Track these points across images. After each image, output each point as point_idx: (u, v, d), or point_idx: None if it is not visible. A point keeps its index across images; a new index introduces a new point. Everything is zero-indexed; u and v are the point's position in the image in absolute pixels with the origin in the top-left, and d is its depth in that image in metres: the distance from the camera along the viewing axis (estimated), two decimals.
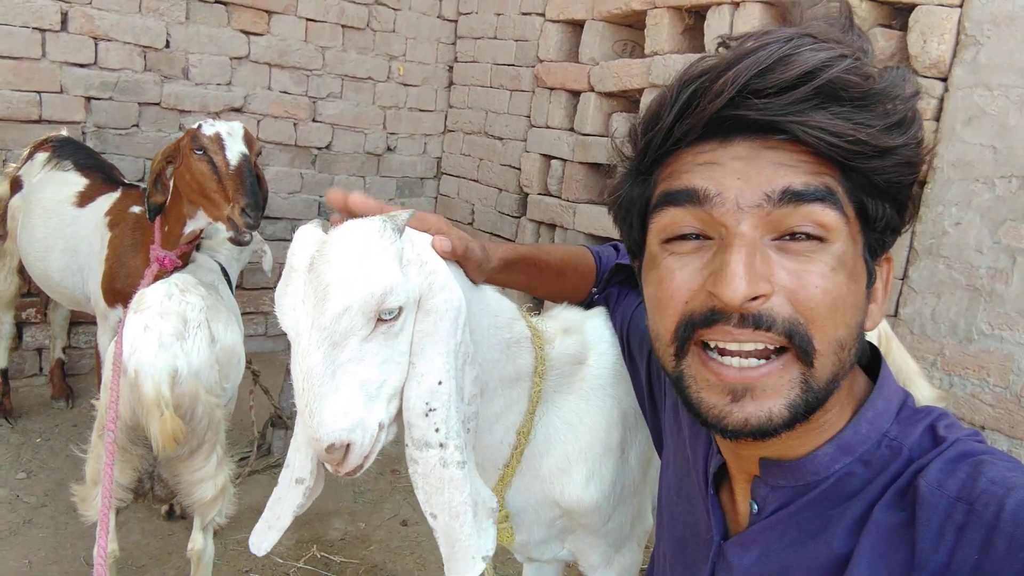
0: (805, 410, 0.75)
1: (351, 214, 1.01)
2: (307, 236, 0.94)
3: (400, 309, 0.92)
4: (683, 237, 0.79)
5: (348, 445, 0.90)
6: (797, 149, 0.73)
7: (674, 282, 0.78)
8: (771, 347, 0.74)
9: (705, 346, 0.77)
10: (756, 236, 0.73)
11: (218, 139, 2.60)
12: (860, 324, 0.78)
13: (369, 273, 0.89)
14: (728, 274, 0.72)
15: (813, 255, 0.73)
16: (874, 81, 0.72)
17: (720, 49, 0.83)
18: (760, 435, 0.75)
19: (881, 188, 0.75)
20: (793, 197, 0.72)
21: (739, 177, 0.74)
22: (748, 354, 0.75)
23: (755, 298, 0.72)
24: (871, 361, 0.88)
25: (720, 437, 0.87)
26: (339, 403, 0.89)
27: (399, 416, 0.97)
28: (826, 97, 0.70)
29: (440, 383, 0.95)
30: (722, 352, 0.76)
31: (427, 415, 0.95)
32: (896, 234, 0.81)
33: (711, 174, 0.75)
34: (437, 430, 0.95)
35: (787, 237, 0.73)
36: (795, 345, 0.73)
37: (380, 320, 0.91)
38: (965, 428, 0.77)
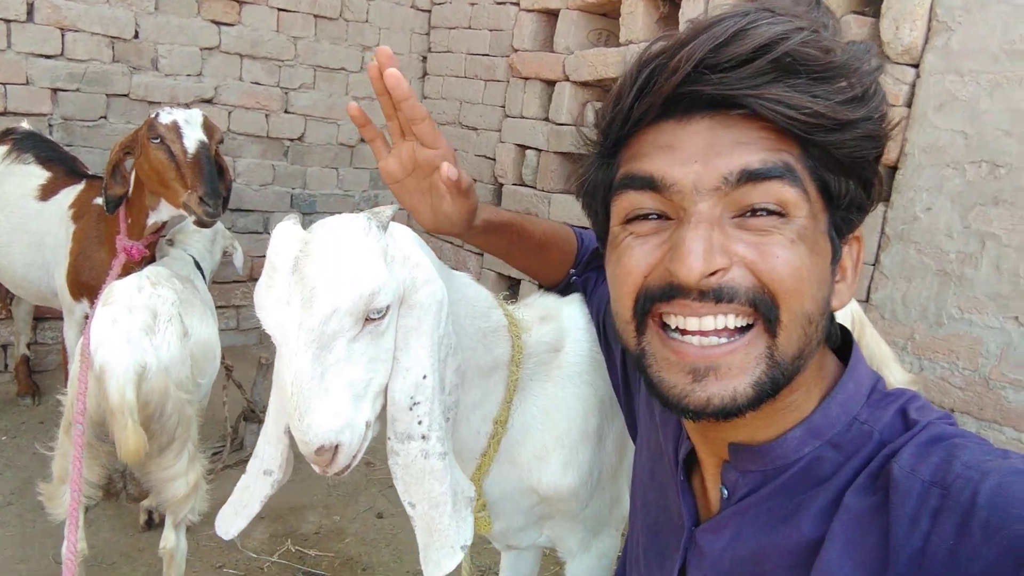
0: (772, 388, 0.74)
1: (383, 90, 1.01)
2: (287, 234, 0.93)
3: (387, 308, 0.91)
4: (643, 217, 0.78)
5: (337, 446, 0.90)
6: (756, 125, 0.72)
7: (632, 259, 0.78)
8: (734, 325, 0.73)
9: (665, 326, 0.77)
10: (716, 213, 0.72)
11: (175, 127, 2.55)
12: (826, 300, 0.77)
13: (357, 274, 0.88)
14: (684, 251, 0.71)
15: (773, 229, 0.72)
16: (834, 55, 0.70)
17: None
18: (724, 415, 0.74)
19: (843, 164, 0.74)
20: (751, 176, 0.71)
21: (697, 160, 0.73)
22: (710, 333, 0.74)
23: (713, 273, 0.71)
24: (843, 345, 0.87)
25: (684, 419, 0.86)
26: (328, 405, 0.88)
27: (383, 411, 0.97)
28: (783, 71, 0.69)
29: (425, 377, 0.95)
30: (683, 332, 0.75)
31: (411, 408, 0.95)
32: (863, 212, 0.80)
33: (669, 159, 0.74)
34: (420, 422, 0.95)
35: (747, 214, 0.73)
36: (760, 314, 0.72)
37: (368, 320, 0.90)
38: (937, 410, 0.76)
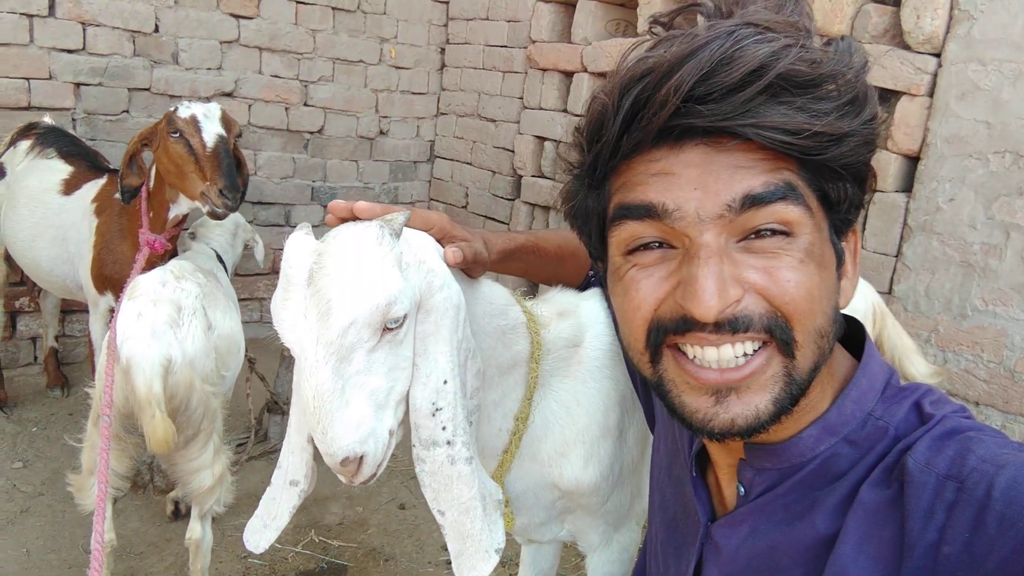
0: (791, 403, 0.74)
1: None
2: (300, 246, 0.92)
3: (405, 316, 0.91)
4: (646, 247, 0.77)
5: (361, 457, 0.90)
6: (752, 148, 0.70)
7: (640, 293, 0.77)
8: (753, 349, 0.73)
9: (680, 347, 0.77)
10: (721, 242, 0.72)
11: (194, 121, 2.58)
12: (835, 307, 0.77)
13: (372, 284, 0.87)
14: (698, 290, 0.70)
15: (780, 251, 0.72)
16: (821, 66, 0.69)
17: (652, 30, 0.80)
18: (748, 434, 0.75)
19: (840, 172, 0.74)
20: (754, 201, 0.70)
21: (696, 187, 0.71)
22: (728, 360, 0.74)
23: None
24: (852, 335, 0.87)
25: (707, 439, 0.86)
26: (351, 417, 0.88)
27: (405, 417, 0.97)
28: (775, 93, 0.68)
29: (445, 382, 0.95)
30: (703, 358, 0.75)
31: (434, 415, 0.94)
32: (860, 209, 0.80)
33: (667, 186, 0.73)
34: (444, 428, 0.95)
35: (752, 236, 0.72)
36: (776, 338, 0.72)
37: (386, 329, 0.89)
38: (952, 404, 0.77)
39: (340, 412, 0.88)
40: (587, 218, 0.86)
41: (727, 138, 0.70)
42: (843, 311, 0.83)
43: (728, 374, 0.74)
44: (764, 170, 0.71)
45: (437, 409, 0.94)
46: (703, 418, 0.75)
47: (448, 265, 1.00)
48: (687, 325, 0.73)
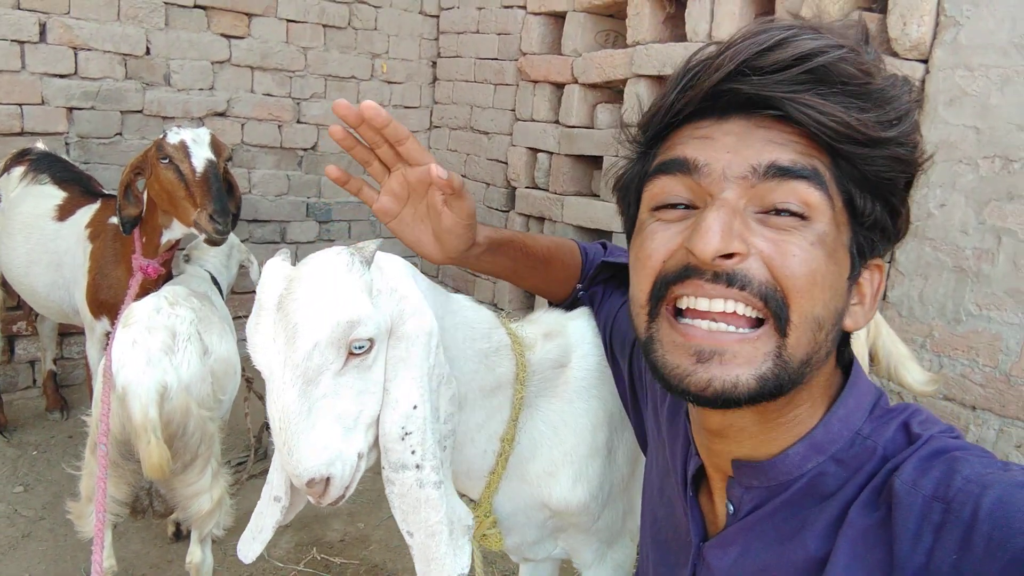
0: (775, 386, 0.74)
1: (365, 124, 1.03)
2: (275, 272, 0.95)
3: (372, 342, 0.92)
4: (672, 206, 0.80)
5: (328, 478, 0.91)
6: (789, 130, 0.74)
7: (654, 243, 0.80)
8: (745, 312, 0.74)
9: (677, 313, 0.77)
10: (739, 204, 0.74)
11: (183, 147, 2.58)
12: (839, 311, 0.77)
13: (334, 306, 0.89)
14: (703, 229, 0.72)
15: (794, 230, 0.73)
16: (872, 78, 0.72)
17: None
18: (723, 401, 0.74)
19: (871, 182, 0.75)
20: (779, 172, 0.73)
21: (729, 151, 0.75)
22: (720, 316, 0.74)
23: (730, 257, 0.72)
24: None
25: (683, 401, 0.87)
26: (317, 439, 0.90)
27: (377, 441, 0.98)
28: (820, 82, 0.72)
29: (415, 407, 0.96)
30: (693, 315, 0.76)
31: (403, 439, 0.96)
32: (888, 240, 0.81)
33: (703, 147, 0.77)
34: (413, 452, 0.96)
35: (771, 212, 0.74)
36: (771, 312, 0.73)
37: (351, 354, 0.91)
38: (940, 424, 0.77)
39: (306, 434, 0.89)
40: (630, 184, 0.90)
41: (768, 117, 0.74)
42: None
43: (717, 336, 0.74)
44: (796, 150, 0.74)
45: (407, 433, 0.96)
46: (680, 374, 0.75)
47: (436, 183, 1.02)
48: (687, 272, 0.75)
